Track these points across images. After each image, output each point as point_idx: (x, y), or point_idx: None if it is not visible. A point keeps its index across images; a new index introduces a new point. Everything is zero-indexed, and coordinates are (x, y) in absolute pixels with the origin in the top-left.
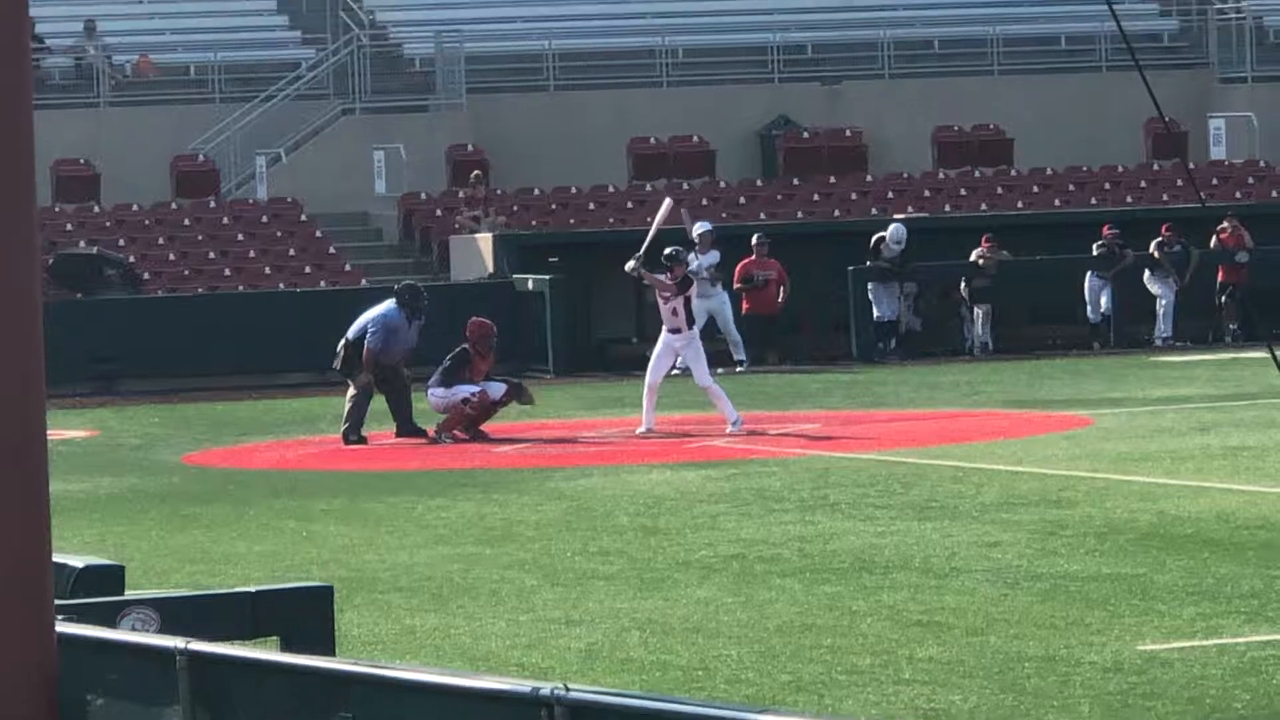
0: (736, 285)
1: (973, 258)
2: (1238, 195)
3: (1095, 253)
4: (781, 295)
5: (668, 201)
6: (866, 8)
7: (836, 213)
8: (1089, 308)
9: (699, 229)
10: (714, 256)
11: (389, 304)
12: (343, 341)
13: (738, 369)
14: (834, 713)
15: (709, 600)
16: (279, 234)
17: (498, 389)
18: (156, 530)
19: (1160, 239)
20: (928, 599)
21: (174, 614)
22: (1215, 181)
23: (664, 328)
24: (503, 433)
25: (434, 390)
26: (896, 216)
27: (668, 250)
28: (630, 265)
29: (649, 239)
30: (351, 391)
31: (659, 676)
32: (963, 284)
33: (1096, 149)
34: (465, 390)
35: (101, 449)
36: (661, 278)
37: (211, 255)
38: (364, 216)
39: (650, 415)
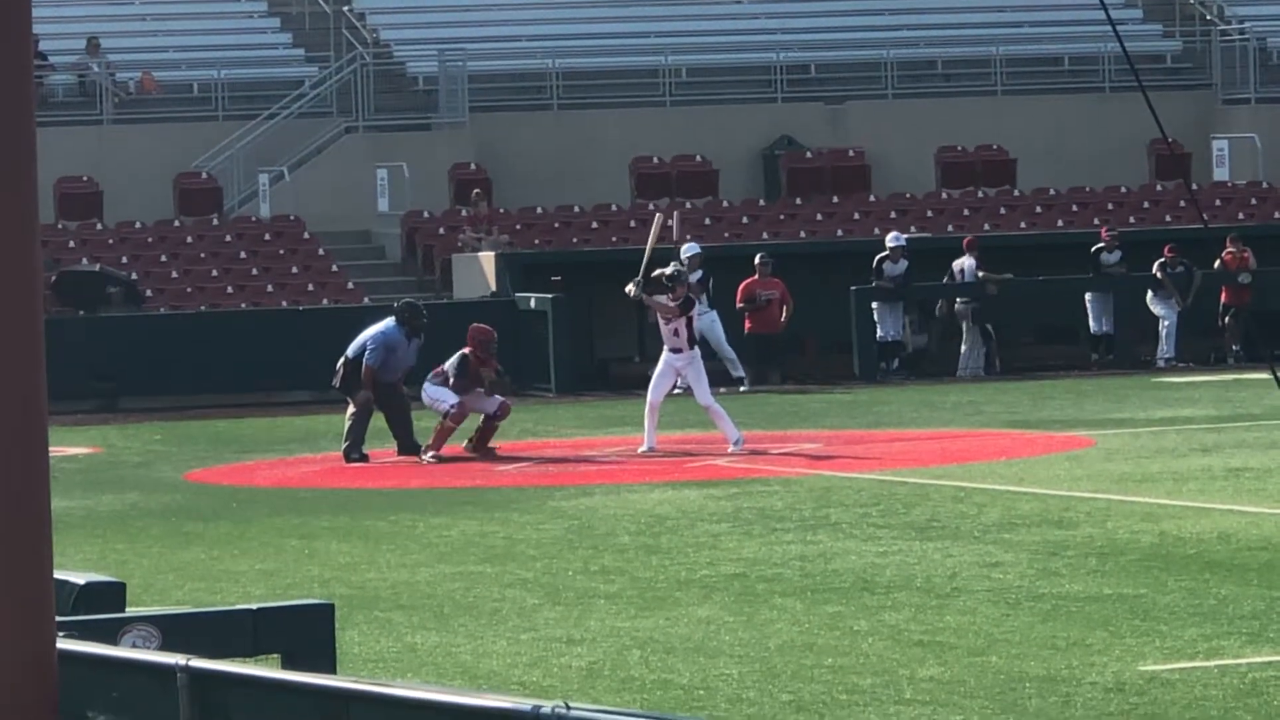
0: (739, 305)
1: (957, 267)
2: (1240, 216)
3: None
4: (784, 315)
5: (659, 217)
6: (869, 28)
7: (839, 232)
8: (1091, 320)
9: (688, 251)
10: (697, 275)
11: (388, 322)
12: (342, 359)
13: (740, 388)
14: None
15: (710, 619)
16: (281, 252)
17: (493, 403)
18: (158, 547)
19: (1163, 260)
20: (929, 619)
21: (175, 631)
22: (1218, 202)
23: (665, 347)
24: (505, 451)
25: (428, 387)
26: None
27: (668, 270)
28: (630, 289)
29: (645, 259)
30: (351, 409)
31: (660, 695)
32: (956, 303)
33: (1099, 170)
34: (446, 401)
35: (103, 466)
36: (663, 299)
37: (214, 273)
38: (366, 235)
39: (652, 434)
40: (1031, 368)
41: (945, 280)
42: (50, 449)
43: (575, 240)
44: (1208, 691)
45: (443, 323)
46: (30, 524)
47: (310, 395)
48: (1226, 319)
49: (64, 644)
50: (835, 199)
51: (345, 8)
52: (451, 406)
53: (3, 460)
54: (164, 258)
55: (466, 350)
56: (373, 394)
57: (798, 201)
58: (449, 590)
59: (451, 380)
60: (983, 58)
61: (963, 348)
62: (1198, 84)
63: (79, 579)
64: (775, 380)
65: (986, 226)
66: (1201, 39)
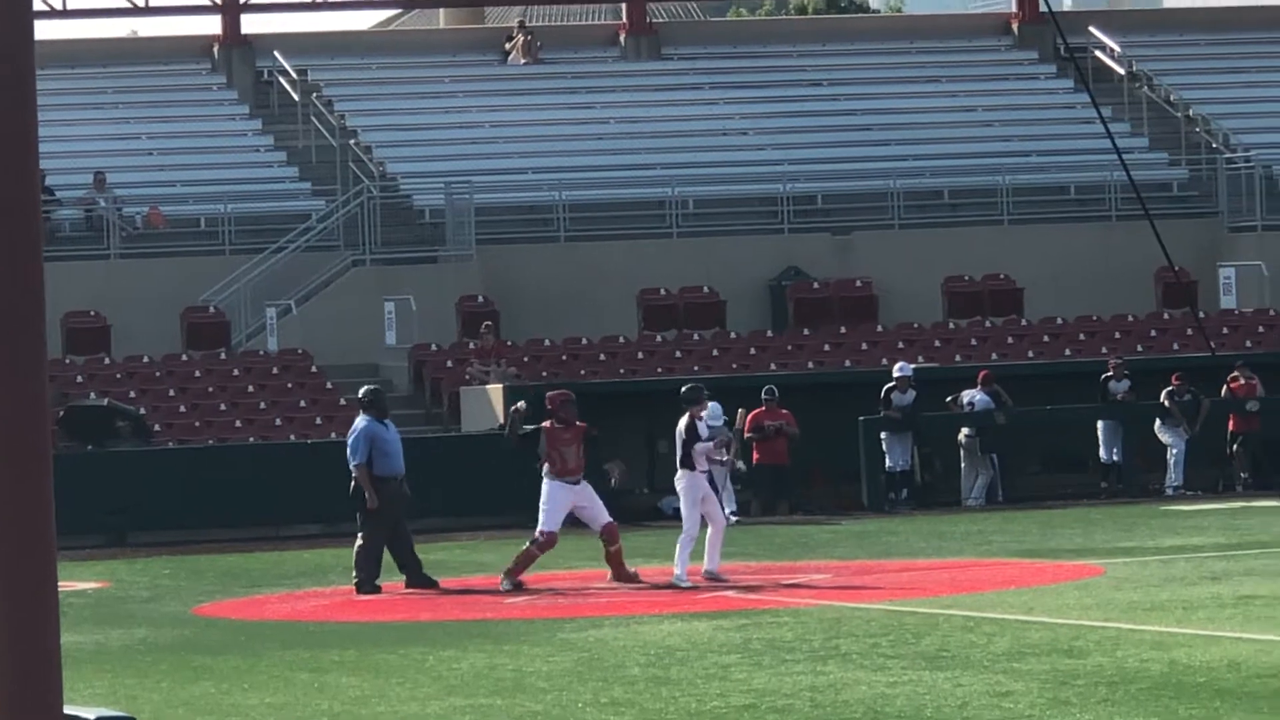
0: (747, 435)
1: (968, 398)
2: (1248, 344)
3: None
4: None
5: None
6: (875, 159)
7: (847, 363)
8: (1101, 448)
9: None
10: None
11: (358, 419)
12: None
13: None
14: None
15: None
16: (289, 385)
17: (600, 514)
18: (167, 682)
19: (1171, 388)
20: None
21: None
22: (1226, 330)
23: (696, 470)
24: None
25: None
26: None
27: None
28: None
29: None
30: (359, 543)
31: None
32: (962, 434)
33: (1106, 298)
34: (542, 513)
35: (112, 601)
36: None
37: (222, 407)
38: (374, 368)
39: (713, 558)
40: (1040, 497)
41: (948, 400)
42: (59, 584)
43: (583, 372)
44: None
45: (452, 456)
46: (39, 659)
47: (319, 529)
48: (1235, 447)
49: None
50: (843, 329)
51: (351, 141)
52: (541, 533)
53: (12, 595)
54: (172, 392)
55: (544, 425)
56: (375, 496)
57: (805, 332)
58: None
59: (544, 463)
60: (989, 187)
61: (963, 478)
62: (1204, 212)
63: (89, 714)
64: (784, 511)
65: (994, 356)
66: (1208, 167)
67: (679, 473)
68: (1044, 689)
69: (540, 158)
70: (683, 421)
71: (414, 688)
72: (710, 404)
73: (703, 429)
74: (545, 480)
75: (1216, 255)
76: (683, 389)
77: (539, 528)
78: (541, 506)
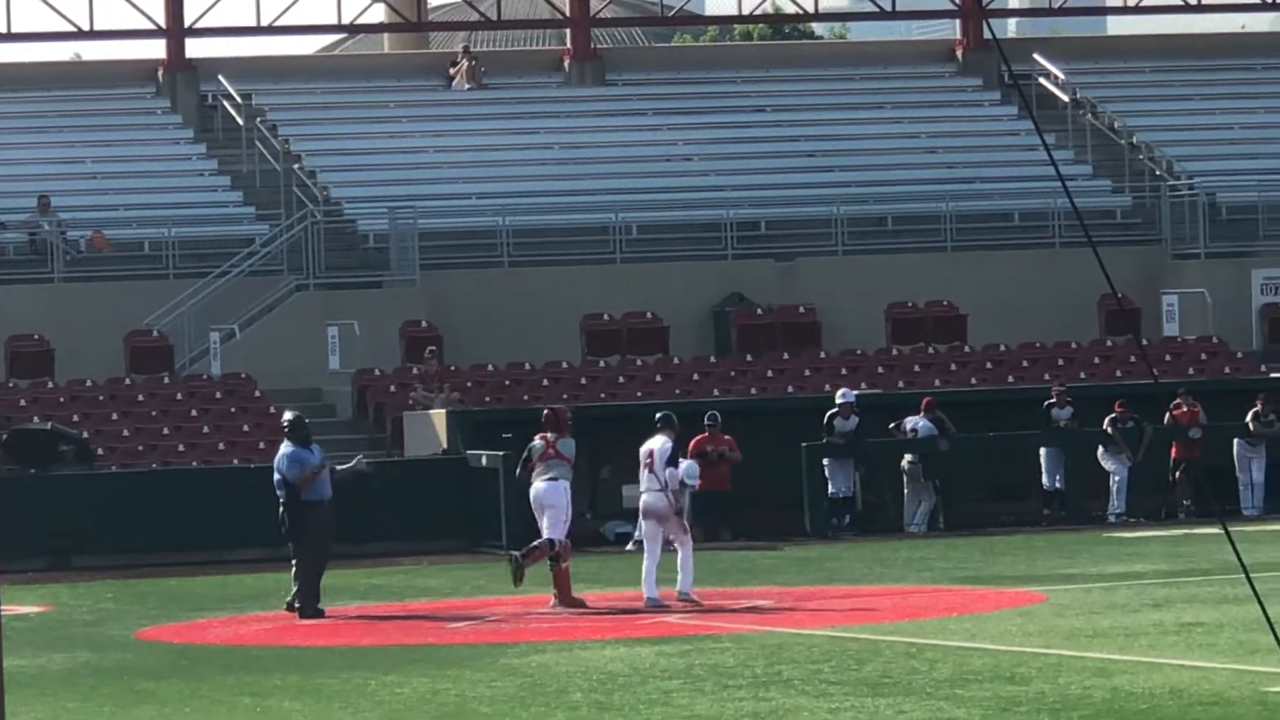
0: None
1: (911, 424)
2: (1191, 371)
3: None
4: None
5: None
6: (819, 185)
7: (790, 389)
8: (1045, 475)
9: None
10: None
11: (282, 446)
12: (280, 509)
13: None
14: None
15: None
16: (233, 410)
17: (559, 531)
18: (109, 706)
19: (1114, 415)
20: None
21: None
22: (1168, 358)
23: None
24: (458, 610)
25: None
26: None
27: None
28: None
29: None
30: (294, 569)
31: None
32: (905, 460)
33: (1050, 325)
34: (555, 531)
35: (54, 624)
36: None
37: (165, 431)
38: (317, 392)
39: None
40: (982, 523)
41: (891, 427)
42: (1, 607)
43: (526, 397)
44: None
45: (394, 481)
46: None
47: (261, 553)
48: (1177, 474)
49: None
50: (786, 355)
51: (295, 165)
52: (556, 543)
53: None
54: (115, 416)
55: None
56: (316, 475)
57: (748, 358)
58: None
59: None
60: (933, 214)
61: (905, 505)
62: (1148, 239)
63: None
64: (726, 537)
65: (937, 383)
66: (1151, 194)
67: (656, 493)
68: (986, 716)
69: (484, 183)
70: (663, 443)
71: (356, 712)
72: (688, 462)
73: (683, 467)
74: (566, 486)
75: (1160, 283)
76: (658, 414)
77: (556, 536)
78: (563, 515)
